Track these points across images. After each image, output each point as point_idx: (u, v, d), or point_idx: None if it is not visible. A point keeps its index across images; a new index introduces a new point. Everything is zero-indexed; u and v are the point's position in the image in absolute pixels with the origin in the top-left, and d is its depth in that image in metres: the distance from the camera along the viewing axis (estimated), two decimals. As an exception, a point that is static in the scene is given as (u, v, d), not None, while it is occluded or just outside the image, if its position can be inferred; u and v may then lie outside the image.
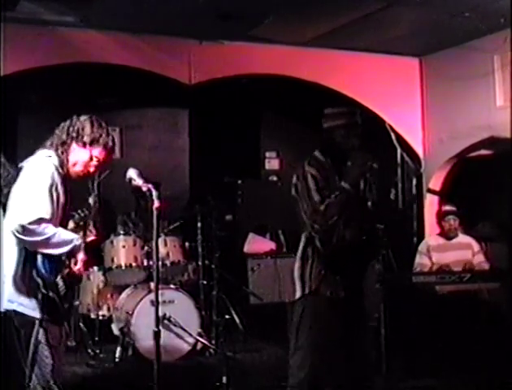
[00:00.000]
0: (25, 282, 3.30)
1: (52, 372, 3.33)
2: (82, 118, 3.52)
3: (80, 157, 3.47)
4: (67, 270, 3.41)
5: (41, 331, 3.29)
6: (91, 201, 3.64)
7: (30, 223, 3.20)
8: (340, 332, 3.69)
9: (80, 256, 3.44)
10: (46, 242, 3.26)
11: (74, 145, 3.45)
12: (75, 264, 3.43)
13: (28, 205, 3.25)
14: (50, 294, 3.32)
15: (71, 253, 3.40)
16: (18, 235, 3.22)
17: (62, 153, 3.44)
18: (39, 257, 3.29)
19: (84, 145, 3.46)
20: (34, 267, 3.29)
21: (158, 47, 6.82)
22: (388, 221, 3.85)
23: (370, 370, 3.84)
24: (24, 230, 3.21)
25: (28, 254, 3.30)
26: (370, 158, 3.66)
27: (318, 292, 3.72)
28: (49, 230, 3.26)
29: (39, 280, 3.29)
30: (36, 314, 3.29)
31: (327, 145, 3.82)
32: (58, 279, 3.36)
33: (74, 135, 3.44)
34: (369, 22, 6.40)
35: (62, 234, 3.35)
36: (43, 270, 3.30)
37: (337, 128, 3.77)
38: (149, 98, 7.52)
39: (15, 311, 3.29)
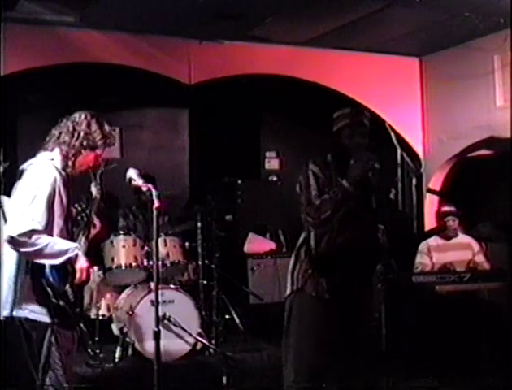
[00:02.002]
0: (35, 290, 3.27)
1: (65, 374, 3.33)
2: (84, 117, 3.46)
3: (88, 159, 3.46)
4: (71, 279, 3.39)
5: (54, 335, 3.29)
6: (93, 190, 3.59)
7: (20, 235, 3.14)
8: (327, 332, 3.69)
9: (80, 265, 3.36)
10: (39, 253, 3.20)
11: (83, 151, 3.44)
12: (76, 274, 3.38)
13: (21, 216, 3.19)
14: (61, 303, 3.29)
15: (69, 263, 3.34)
16: (9, 245, 3.19)
17: (70, 157, 3.40)
18: (46, 267, 3.26)
19: (93, 149, 3.46)
20: (43, 276, 3.26)
21: (158, 47, 6.82)
22: (388, 221, 3.84)
23: (361, 371, 3.84)
24: (14, 241, 3.16)
25: (34, 263, 3.27)
26: (373, 158, 3.66)
27: (304, 291, 3.75)
28: (41, 241, 3.19)
29: (49, 290, 3.26)
30: (48, 320, 3.29)
31: (336, 148, 3.83)
32: (67, 287, 3.35)
33: (84, 143, 3.40)
34: (369, 22, 6.40)
35: (58, 244, 3.27)
36: (51, 279, 3.26)
37: (343, 129, 3.79)
38: (149, 98, 7.52)
39: (26, 318, 3.28)
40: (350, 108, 3.92)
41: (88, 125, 3.44)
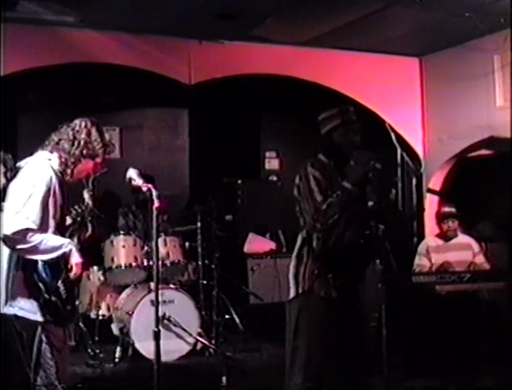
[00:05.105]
0: (26, 287, 3.28)
1: (57, 373, 3.33)
2: (84, 125, 3.45)
3: (87, 167, 3.48)
4: (65, 275, 3.39)
5: (44, 333, 3.29)
6: (85, 196, 3.60)
7: (14, 234, 3.17)
8: (336, 332, 3.69)
9: (74, 260, 3.39)
10: (34, 250, 3.23)
11: (82, 159, 3.44)
12: (71, 270, 3.40)
13: (15, 214, 3.21)
14: (53, 298, 3.30)
15: (63, 258, 3.36)
16: (4, 243, 3.21)
17: (69, 166, 3.40)
18: (39, 262, 3.28)
19: (93, 158, 3.46)
20: (35, 272, 3.27)
21: (158, 47, 6.82)
22: (389, 221, 3.84)
23: (368, 371, 3.84)
24: (8, 239, 3.19)
25: (27, 259, 3.28)
26: (374, 158, 3.65)
27: (312, 292, 3.73)
28: (35, 238, 3.22)
29: (41, 285, 3.27)
30: (38, 318, 3.28)
31: (330, 148, 3.83)
32: (60, 283, 3.35)
33: (84, 152, 3.41)
34: (369, 22, 6.40)
35: (50, 240, 3.30)
36: (44, 275, 3.28)
37: (334, 130, 3.79)
38: (149, 98, 7.52)
39: (15, 315, 3.28)
40: (337, 108, 3.89)
41: (89, 134, 3.43)
